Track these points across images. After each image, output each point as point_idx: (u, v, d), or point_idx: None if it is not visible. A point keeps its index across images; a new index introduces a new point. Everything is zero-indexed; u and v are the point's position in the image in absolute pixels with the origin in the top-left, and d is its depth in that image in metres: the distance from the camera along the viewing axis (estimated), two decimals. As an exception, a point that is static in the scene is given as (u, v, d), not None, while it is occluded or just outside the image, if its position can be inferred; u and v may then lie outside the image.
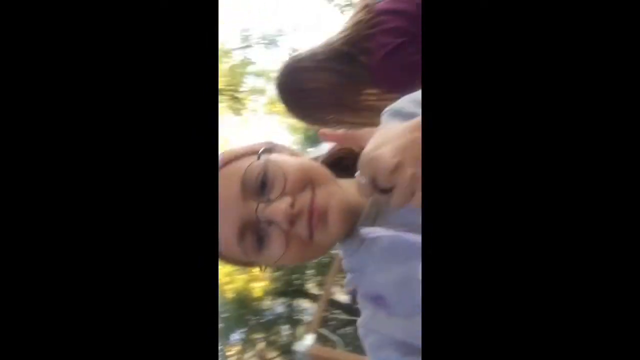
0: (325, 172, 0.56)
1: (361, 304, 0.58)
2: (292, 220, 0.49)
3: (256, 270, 0.60)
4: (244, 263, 0.58)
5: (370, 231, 0.52)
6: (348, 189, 0.55)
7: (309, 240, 0.51)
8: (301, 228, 0.50)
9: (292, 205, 0.49)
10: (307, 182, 0.52)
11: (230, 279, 5.59)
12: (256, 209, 0.50)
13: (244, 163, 0.53)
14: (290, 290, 5.80)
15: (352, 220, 0.54)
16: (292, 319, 5.82)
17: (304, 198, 0.50)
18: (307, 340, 2.21)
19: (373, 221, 0.54)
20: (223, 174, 0.52)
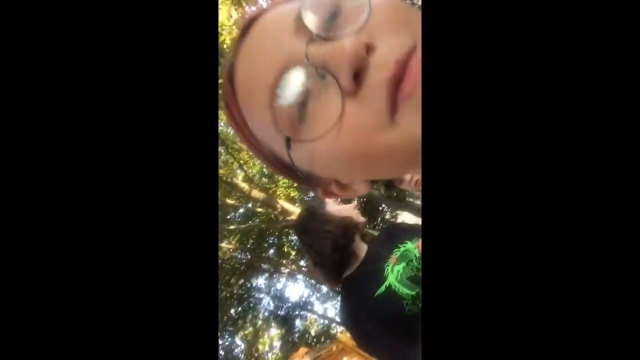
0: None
1: None
2: (360, 73, 0.29)
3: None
4: (274, 157, 0.37)
5: None
6: None
7: (387, 118, 0.30)
8: (375, 92, 0.30)
9: (367, 48, 0.29)
10: (410, 34, 0.31)
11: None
12: (307, 43, 0.31)
13: None
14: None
15: None
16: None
17: (396, 49, 0.30)
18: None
19: None
20: (272, 13, 0.35)
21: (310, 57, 0.30)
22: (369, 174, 0.38)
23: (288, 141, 0.33)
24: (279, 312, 13.23)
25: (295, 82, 0.31)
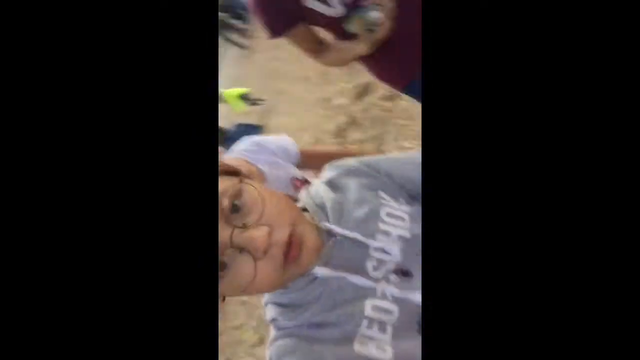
0: (300, 211, 0.58)
1: (287, 331, 0.57)
2: (266, 250, 0.49)
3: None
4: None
5: (323, 271, 0.54)
6: (314, 230, 0.56)
7: (280, 271, 0.51)
8: (274, 259, 0.50)
9: (269, 234, 0.49)
10: (288, 218, 0.52)
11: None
12: (231, 233, 0.48)
13: (220, 183, 0.51)
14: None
15: (316, 259, 0.55)
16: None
17: (282, 231, 0.50)
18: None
19: (326, 263, 0.55)
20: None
21: (234, 242, 0.48)
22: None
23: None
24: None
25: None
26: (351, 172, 0.66)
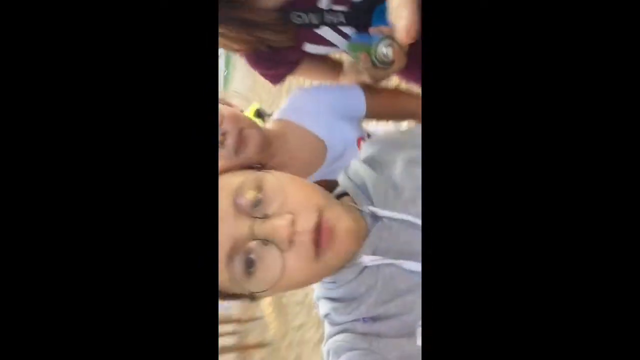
0: (330, 196, 0.53)
1: (346, 325, 0.53)
2: (293, 239, 0.45)
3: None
4: (231, 295, 0.51)
5: (372, 259, 0.50)
6: (352, 215, 0.52)
7: (313, 261, 0.46)
8: (304, 248, 0.45)
9: (293, 223, 0.45)
10: (314, 204, 0.48)
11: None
12: (252, 225, 0.46)
13: (236, 177, 0.49)
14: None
15: (356, 245, 0.50)
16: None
17: (308, 217, 0.46)
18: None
19: (374, 250, 0.51)
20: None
21: (256, 234, 0.46)
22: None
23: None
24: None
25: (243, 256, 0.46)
26: (395, 145, 0.59)
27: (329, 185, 0.60)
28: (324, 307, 0.56)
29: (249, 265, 0.46)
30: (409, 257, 0.48)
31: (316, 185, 0.53)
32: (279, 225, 0.45)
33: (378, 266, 0.50)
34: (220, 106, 0.91)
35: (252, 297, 0.51)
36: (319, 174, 1.00)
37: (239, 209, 0.46)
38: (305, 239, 0.45)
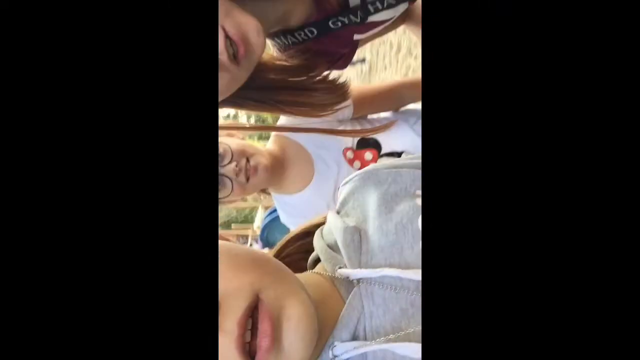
0: (281, 268, 0.39)
1: None
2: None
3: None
4: None
5: (351, 346, 0.37)
6: (316, 289, 0.40)
7: None
8: (228, 354, 0.33)
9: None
10: (248, 284, 0.35)
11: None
12: None
13: None
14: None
15: (321, 334, 0.37)
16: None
17: (238, 306, 0.34)
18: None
19: (352, 333, 0.38)
20: None
21: None
22: None
23: None
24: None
25: None
26: (368, 181, 0.48)
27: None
28: None
29: None
30: (404, 334, 0.36)
31: (262, 254, 0.40)
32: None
33: (363, 355, 0.37)
34: (226, 140, 0.94)
35: None
36: (309, 194, 1.02)
37: None
38: (229, 339, 0.32)
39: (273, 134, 1.07)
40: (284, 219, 1.12)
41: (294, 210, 1.06)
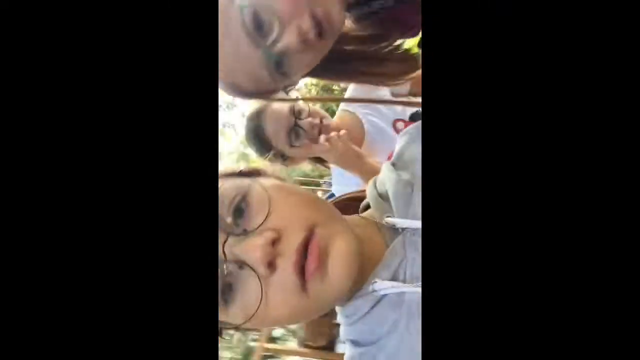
0: (332, 209, 0.43)
1: None
2: (272, 262, 0.37)
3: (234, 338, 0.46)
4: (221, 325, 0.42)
5: (389, 285, 0.40)
6: (362, 230, 0.43)
7: (300, 291, 0.37)
8: (286, 275, 0.37)
9: (273, 242, 0.37)
10: (304, 219, 0.39)
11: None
12: (224, 243, 0.37)
13: (222, 183, 0.41)
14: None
15: (363, 270, 0.40)
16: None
17: (295, 237, 0.38)
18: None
19: (393, 273, 0.41)
20: None
21: (227, 255, 0.38)
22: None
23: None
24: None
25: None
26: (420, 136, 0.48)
27: (360, 199, 0.53)
28: (348, 352, 0.44)
29: (225, 291, 0.38)
30: None
31: (317, 197, 0.44)
32: (254, 244, 0.36)
33: (400, 294, 0.40)
34: (300, 102, 1.05)
35: (237, 328, 0.42)
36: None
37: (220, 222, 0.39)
38: (288, 263, 0.37)
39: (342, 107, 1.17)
40: (337, 191, 1.17)
41: (349, 181, 1.12)
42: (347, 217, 0.46)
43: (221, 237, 0.38)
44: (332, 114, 1.26)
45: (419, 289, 0.39)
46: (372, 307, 0.41)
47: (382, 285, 0.40)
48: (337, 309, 0.45)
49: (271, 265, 0.37)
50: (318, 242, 0.37)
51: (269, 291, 0.37)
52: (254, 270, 0.37)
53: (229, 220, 0.39)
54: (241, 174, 0.45)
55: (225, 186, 0.41)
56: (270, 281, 0.37)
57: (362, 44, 0.77)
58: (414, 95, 1.11)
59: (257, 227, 0.38)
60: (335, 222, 0.41)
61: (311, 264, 0.37)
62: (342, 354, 0.46)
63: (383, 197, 0.47)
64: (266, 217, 0.38)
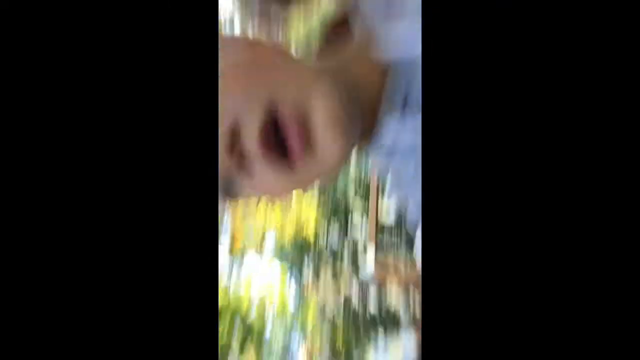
0: (302, 66, 0.36)
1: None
2: (241, 152, 0.33)
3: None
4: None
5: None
6: (353, 67, 0.37)
7: (288, 174, 0.33)
8: (263, 164, 0.33)
9: (232, 132, 0.32)
10: (258, 96, 0.32)
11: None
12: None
13: None
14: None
15: (363, 115, 0.34)
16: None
17: (255, 119, 0.32)
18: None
19: (404, 98, 0.35)
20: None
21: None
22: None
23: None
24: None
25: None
26: None
27: None
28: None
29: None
30: None
31: (280, 54, 0.36)
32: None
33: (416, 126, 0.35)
34: None
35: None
36: None
37: None
38: (257, 151, 0.32)
39: None
40: None
41: None
42: (327, 60, 0.39)
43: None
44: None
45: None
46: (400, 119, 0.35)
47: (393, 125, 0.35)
48: None
49: (241, 156, 0.32)
50: (288, 115, 0.31)
51: (258, 179, 0.33)
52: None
53: None
54: None
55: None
56: (252, 171, 0.33)
57: None
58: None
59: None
60: (310, 80, 0.33)
61: (292, 142, 0.31)
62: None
63: None
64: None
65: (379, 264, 2.53)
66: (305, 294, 4.37)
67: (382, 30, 0.37)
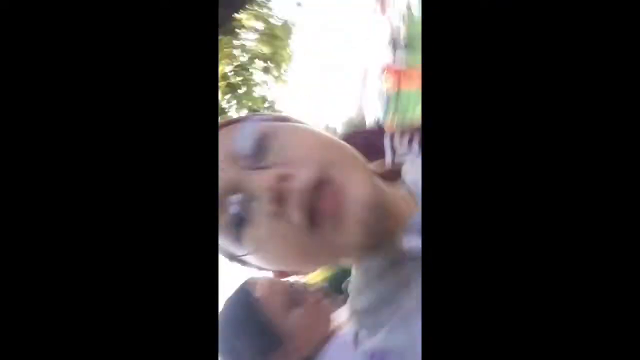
0: (355, 155, 0.41)
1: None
2: (280, 197, 0.35)
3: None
4: (229, 254, 0.43)
5: (419, 242, 0.36)
6: (389, 186, 0.41)
7: (307, 231, 0.36)
8: (295, 211, 0.35)
9: (282, 177, 0.36)
10: (322, 159, 0.37)
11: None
12: (235, 176, 0.38)
13: (246, 124, 0.41)
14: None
15: (386, 223, 0.37)
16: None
17: (307, 175, 0.36)
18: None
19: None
20: (221, 135, 0.40)
21: (243, 186, 0.38)
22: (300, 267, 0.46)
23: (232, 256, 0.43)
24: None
25: (229, 208, 0.38)
26: None
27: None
28: (355, 325, 0.44)
29: (237, 221, 0.38)
30: None
31: (338, 141, 0.41)
32: (262, 178, 0.36)
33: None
34: None
35: (240, 261, 0.43)
36: None
37: (237, 157, 0.39)
38: (296, 201, 0.35)
39: None
40: None
41: None
42: (373, 166, 0.44)
43: (239, 172, 0.38)
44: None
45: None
46: (389, 268, 0.40)
47: (413, 243, 0.37)
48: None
49: (281, 201, 0.35)
50: (331, 184, 0.35)
51: (276, 228, 0.37)
52: (263, 203, 0.36)
53: (249, 157, 0.38)
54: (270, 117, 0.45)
55: (251, 125, 0.40)
56: (277, 218, 0.36)
57: None
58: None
59: (271, 163, 0.37)
60: (356, 168, 0.38)
61: (323, 205, 0.35)
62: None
63: None
64: (282, 155, 0.38)
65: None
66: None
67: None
